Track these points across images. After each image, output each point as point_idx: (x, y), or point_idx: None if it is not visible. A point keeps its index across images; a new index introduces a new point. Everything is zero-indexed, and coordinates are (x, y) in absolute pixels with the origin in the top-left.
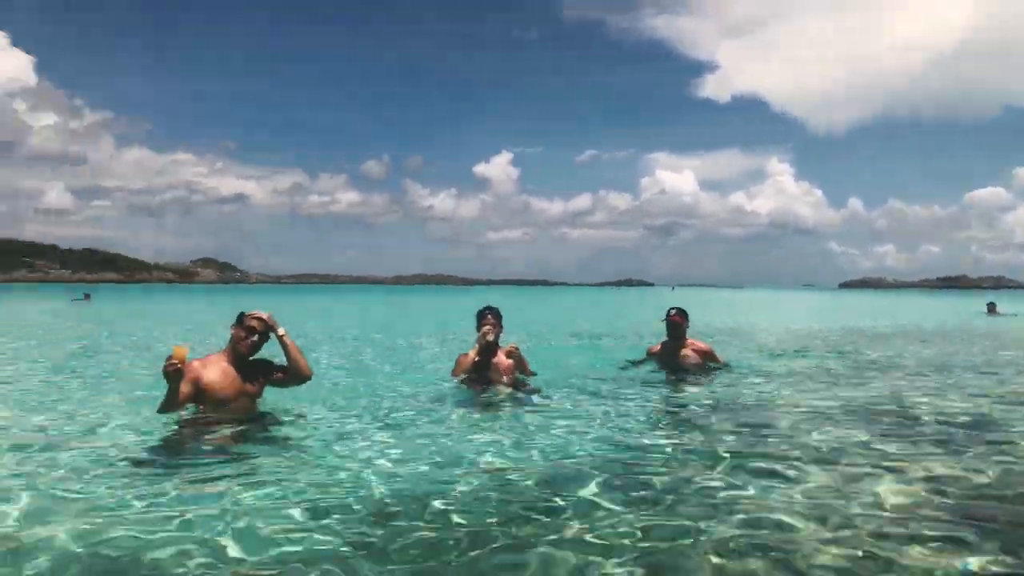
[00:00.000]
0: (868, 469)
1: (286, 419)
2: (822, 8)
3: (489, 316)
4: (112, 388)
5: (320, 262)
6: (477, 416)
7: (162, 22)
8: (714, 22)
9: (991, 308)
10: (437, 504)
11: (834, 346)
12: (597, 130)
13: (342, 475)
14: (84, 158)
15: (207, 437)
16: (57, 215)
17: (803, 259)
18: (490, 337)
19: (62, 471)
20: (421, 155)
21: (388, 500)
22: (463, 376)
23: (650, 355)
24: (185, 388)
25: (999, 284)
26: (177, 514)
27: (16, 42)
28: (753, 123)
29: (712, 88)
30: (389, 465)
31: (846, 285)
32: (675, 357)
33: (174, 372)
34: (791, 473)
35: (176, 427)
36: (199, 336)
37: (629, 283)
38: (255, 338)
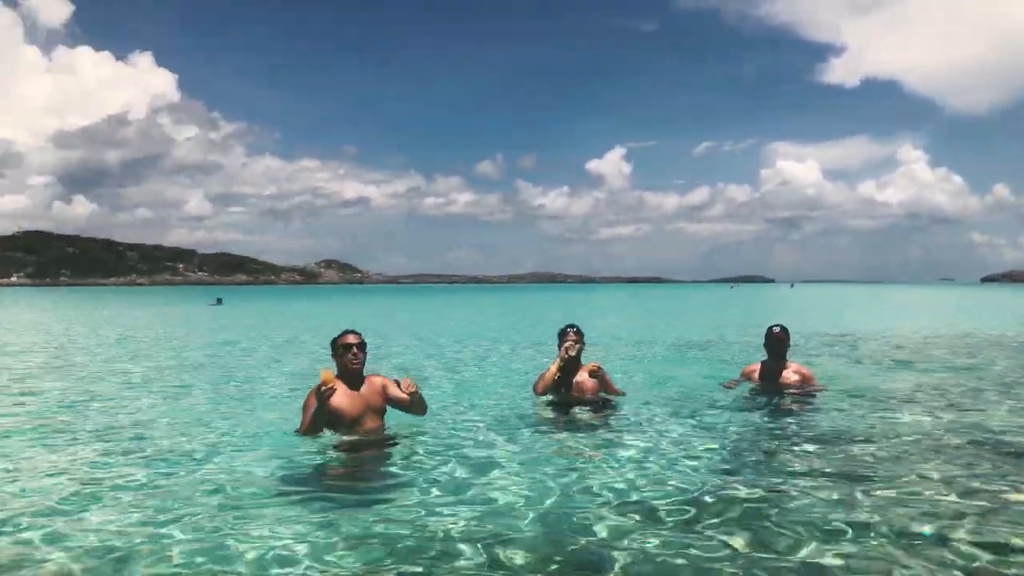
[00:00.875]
0: (955, 521)
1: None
2: None
3: (571, 333)
4: (250, 402)
5: (436, 262)
6: (548, 444)
7: (280, 33)
8: (841, 1)
9: None
10: (499, 549)
11: (957, 357)
12: (714, 121)
13: (410, 513)
14: (220, 167)
15: (349, 459)
16: (196, 221)
17: (940, 251)
18: (571, 353)
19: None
20: (534, 153)
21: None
22: (545, 396)
23: (746, 376)
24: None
25: None
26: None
27: (160, 61)
28: (883, 108)
29: (839, 72)
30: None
31: (989, 279)
32: (776, 379)
33: (329, 395)
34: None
35: (316, 451)
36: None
37: (749, 279)
38: (357, 352)
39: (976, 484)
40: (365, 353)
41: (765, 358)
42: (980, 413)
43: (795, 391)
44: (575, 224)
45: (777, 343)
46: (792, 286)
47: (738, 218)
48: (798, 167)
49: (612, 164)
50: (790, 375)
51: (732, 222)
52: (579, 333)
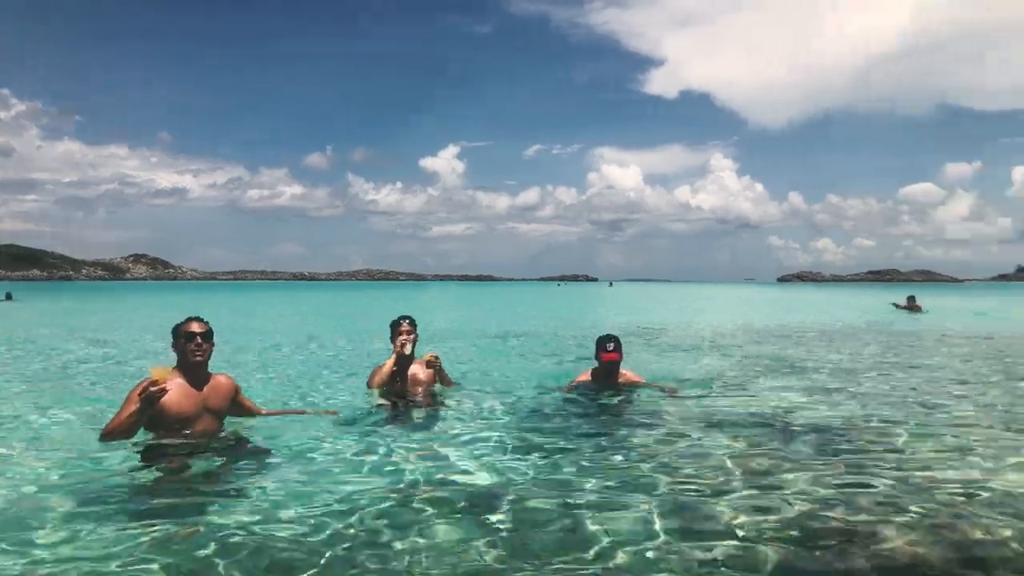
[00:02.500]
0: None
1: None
2: (768, 3)
3: (404, 324)
4: (50, 405)
5: (259, 258)
6: (386, 436)
7: (88, 3)
8: (661, 15)
9: (910, 302)
10: (341, 527)
11: (756, 345)
12: (544, 124)
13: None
14: (10, 150)
15: (167, 466)
16: None
17: (745, 253)
18: (407, 350)
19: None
20: (366, 148)
21: (294, 530)
22: (379, 390)
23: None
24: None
25: (928, 278)
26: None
27: None
28: (698, 119)
29: (659, 83)
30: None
31: (784, 279)
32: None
33: (158, 397)
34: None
35: (132, 454)
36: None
37: (574, 278)
38: (201, 342)
39: (763, 460)
40: (211, 344)
41: (595, 366)
42: (774, 394)
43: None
44: (407, 221)
45: (611, 365)
46: (611, 284)
47: (566, 219)
48: (621, 172)
49: (446, 162)
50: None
51: (560, 223)
52: (413, 324)
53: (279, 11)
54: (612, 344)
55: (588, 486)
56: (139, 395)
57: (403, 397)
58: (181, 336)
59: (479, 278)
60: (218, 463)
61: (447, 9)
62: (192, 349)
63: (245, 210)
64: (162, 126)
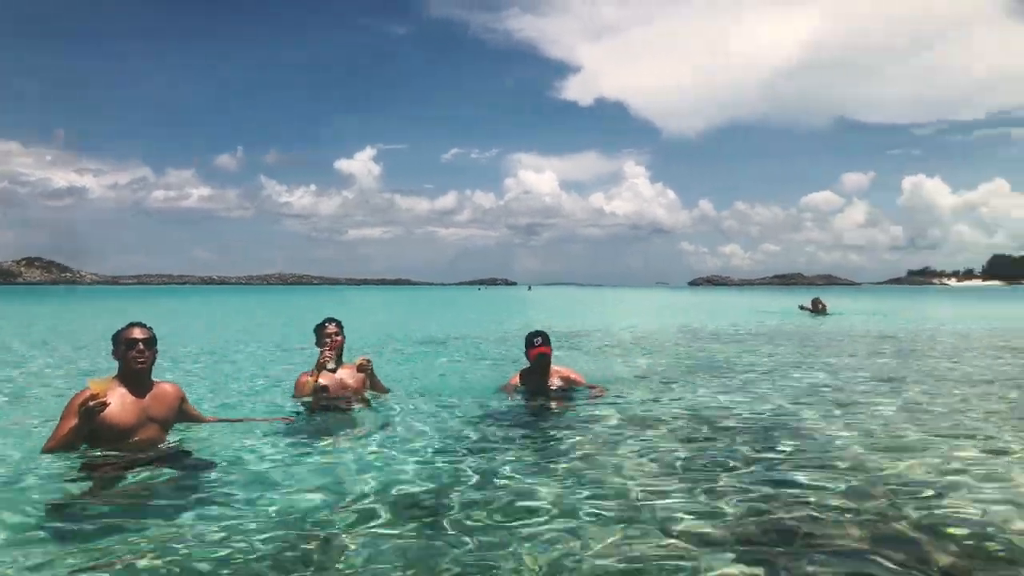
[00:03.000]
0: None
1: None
2: (680, 15)
3: (330, 327)
4: None
5: (165, 261)
6: (320, 443)
7: None
8: (578, 24)
9: (815, 304)
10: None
11: (678, 346)
12: (462, 128)
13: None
14: None
15: (107, 477)
16: None
17: (658, 258)
18: (330, 365)
19: None
20: (279, 149)
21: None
22: (305, 399)
23: (509, 391)
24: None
25: (829, 282)
26: None
27: None
28: (612, 126)
29: (575, 91)
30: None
31: (695, 283)
32: (542, 394)
33: (98, 411)
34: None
35: (70, 467)
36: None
37: (493, 282)
38: (143, 349)
39: (697, 459)
40: (154, 351)
41: (526, 367)
42: (700, 394)
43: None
44: (323, 224)
45: (542, 360)
46: (530, 288)
47: (484, 224)
48: (538, 177)
49: (362, 164)
50: (556, 382)
51: (478, 227)
52: (339, 327)
53: (188, 7)
54: (540, 339)
55: (524, 488)
56: (79, 408)
57: (331, 404)
58: (122, 343)
59: (397, 282)
60: (160, 475)
61: (363, 10)
62: (134, 356)
63: (150, 212)
64: (58, 123)
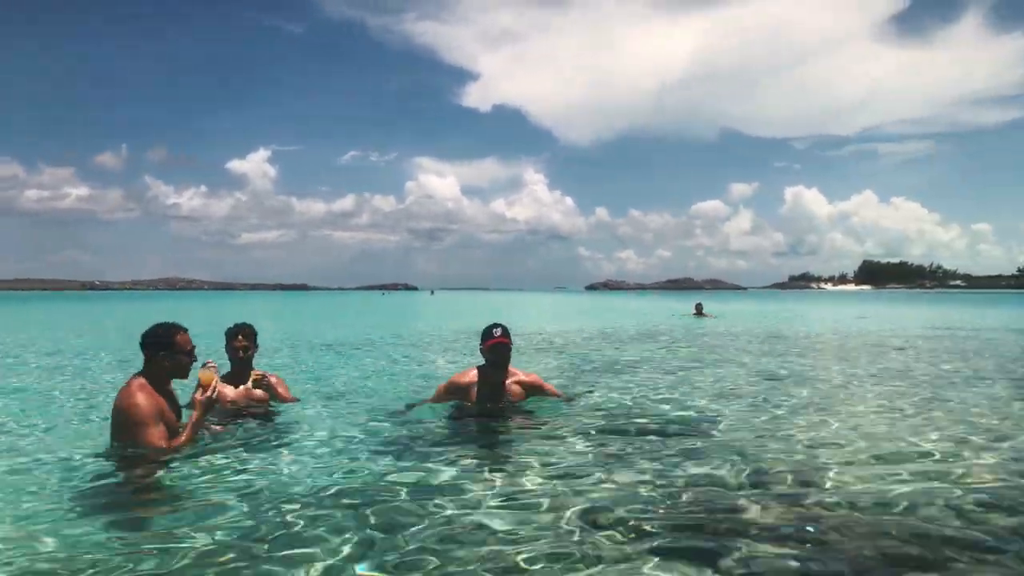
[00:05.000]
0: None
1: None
2: (576, 25)
3: (240, 337)
4: None
5: (40, 265)
6: (216, 466)
7: None
8: (476, 31)
9: (698, 309)
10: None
11: (583, 347)
12: (360, 131)
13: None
14: None
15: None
16: None
17: (556, 264)
18: (210, 395)
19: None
20: (167, 148)
21: None
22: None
23: (451, 391)
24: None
25: (717, 286)
26: None
27: None
28: (511, 134)
29: (474, 97)
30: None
31: (592, 287)
32: (497, 396)
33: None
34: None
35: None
36: None
37: (394, 287)
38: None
39: (620, 455)
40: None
41: (481, 364)
42: (611, 392)
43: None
44: (214, 227)
45: (499, 350)
46: (432, 293)
47: (384, 227)
48: (439, 182)
49: (256, 166)
50: (513, 387)
51: (378, 231)
52: (250, 335)
53: None
54: (499, 329)
55: (445, 487)
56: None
57: (237, 416)
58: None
59: (293, 287)
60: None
61: (257, 7)
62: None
63: (22, 212)
64: None
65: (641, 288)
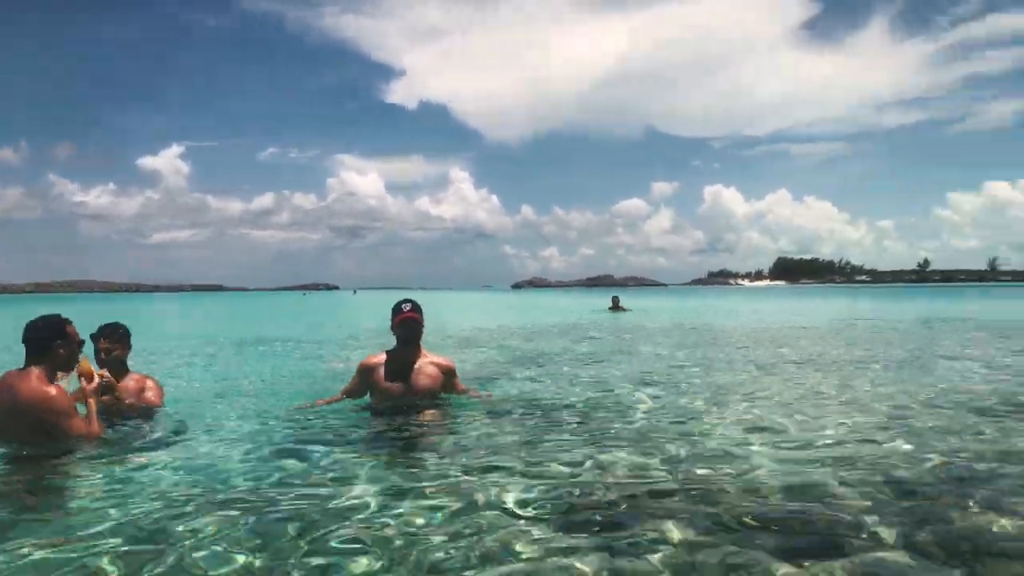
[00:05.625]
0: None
1: None
2: (501, 23)
3: (102, 340)
4: None
5: None
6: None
7: None
8: (400, 26)
9: (615, 303)
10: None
11: (509, 342)
12: (280, 127)
13: None
14: None
15: None
16: None
17: (483, 262)
18: (100, 381)
19: None
20: (73, 143)
21: None
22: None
23: (361, 373)
24: None
25: (639, 283)
26: None
27: None
28: (437, 131)
29: (399, 94)
30: None
31: (517, 285)
32: (406, 375)
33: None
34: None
35: None
36: None
37: (316, 287)
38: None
39: (538, 444)
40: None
41: (395, 349)
42: (534, 383)
43: (427, 390)
44: (124, 226)
45: (410, 325)
46: (355, 292)
47: (305, 226)
48: (362, 179)
49: (168, 162)
50: (425, 368)
51: (298, 230)
52: (116, 337)
53: None
54: (409, 304)
55: (361, 484)
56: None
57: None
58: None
59: (208, 288)
60: None
61: None
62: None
63: None
64: None
65: (564, 285)
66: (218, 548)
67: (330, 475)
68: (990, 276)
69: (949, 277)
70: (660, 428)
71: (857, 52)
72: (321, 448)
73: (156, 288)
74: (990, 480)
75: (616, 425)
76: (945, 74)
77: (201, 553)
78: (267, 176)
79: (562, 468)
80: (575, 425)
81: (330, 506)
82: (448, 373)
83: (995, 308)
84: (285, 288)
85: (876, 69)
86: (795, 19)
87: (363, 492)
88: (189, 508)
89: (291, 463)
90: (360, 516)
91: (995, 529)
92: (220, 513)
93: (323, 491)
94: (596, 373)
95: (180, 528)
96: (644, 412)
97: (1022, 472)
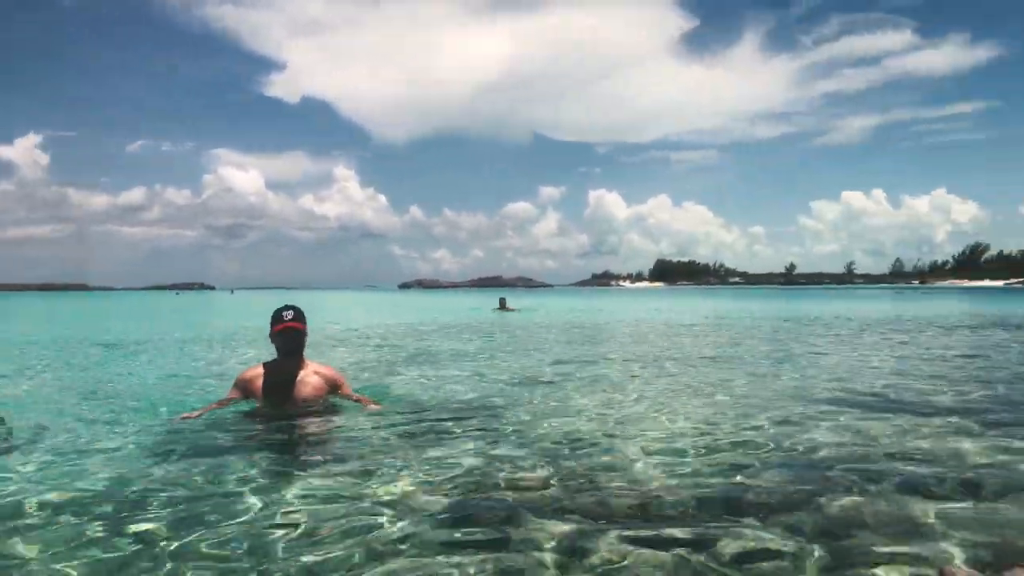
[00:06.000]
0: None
1: None
2: (390, 22)
3: None
4: None
5: None
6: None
7: None
8: (282, 18)
9: (502, 303)
10: None
11: (391, 341)
12: (150, 118)
13: None
14: None
15: None
16: None
17: (368, 262)
18: None
19: None
20: None
21: None
22: None
23: (239, 387)
24: None
25: (527, 284)
26: None
27: None
28: (321, 128)
29: (280, 88)
30: None
31: (405, 285)
32: (288, 389)
33: None
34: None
35: None
36: None
37: (190, 286)
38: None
39: (426, 438)
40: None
41: (276, 360)
42: (420, 380)
43: (311, 399)
44: None
45: (291, 336)
46: (232, 292)
47: (178, 222)
48: (241, 175)
49: (25, 152)
50: (310, 378)
51: (171, 226)
52: None
53: None
54: (291, 312)
55: (240, 492)
56: None
57: None
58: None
59: (70, 287)
60: None
61: None
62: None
63: None
64: None
65: (454, 286)
66: (75, 559)
67: (206, 479)
68: (847, 279)
69: (813, 280)
70: (545, 425)
71: (732, 66)
72: (193, 456)
73: (10, 287)
74: (853, 464)
75: (502, 423)
76: (808, 90)
77: (55, 564)
78: (136, 170)
79: (449, 467)
80: (462, 424)
81: (203, 509)
82: (334, 385)
83: (850, 308)
84: (157, 287)
85: (748, 83)
86: (675, 31)
87: (242, 496)
88: (36, 519)
89: (161, 472)
90: (241, 520)
91: (860, 508)
92: (74, 520)
93: (198, 495)
94: (477, 369)
95: (22, 541)
96: (529, 409)
97: (882, 456)
